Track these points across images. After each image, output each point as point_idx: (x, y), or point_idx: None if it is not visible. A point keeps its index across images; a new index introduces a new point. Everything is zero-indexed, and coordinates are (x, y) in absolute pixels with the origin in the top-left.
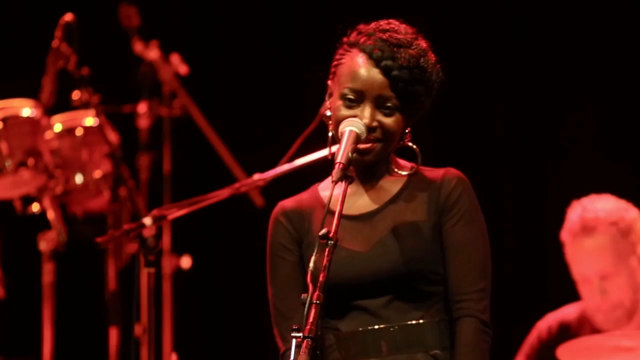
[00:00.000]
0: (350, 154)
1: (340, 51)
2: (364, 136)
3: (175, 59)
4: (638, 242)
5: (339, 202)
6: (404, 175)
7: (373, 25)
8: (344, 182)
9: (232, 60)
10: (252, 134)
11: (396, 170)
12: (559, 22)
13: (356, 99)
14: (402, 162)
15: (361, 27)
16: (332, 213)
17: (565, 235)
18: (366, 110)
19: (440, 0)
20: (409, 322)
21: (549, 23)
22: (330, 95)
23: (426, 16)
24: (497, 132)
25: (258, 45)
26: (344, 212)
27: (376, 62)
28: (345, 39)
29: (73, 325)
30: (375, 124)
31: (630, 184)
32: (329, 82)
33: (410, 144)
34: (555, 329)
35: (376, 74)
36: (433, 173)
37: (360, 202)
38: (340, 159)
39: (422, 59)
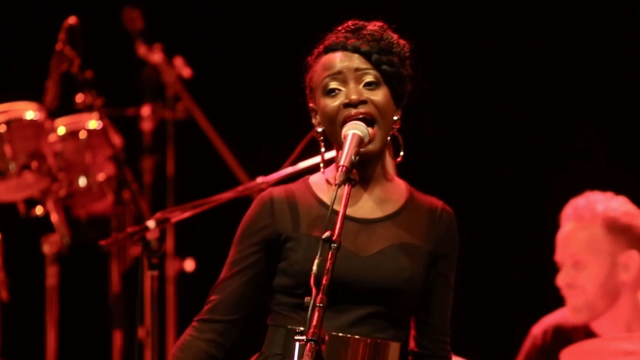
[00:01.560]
0: (353, 157)
1: (308, 73)
2: (367, 139)
3: (178, 62)
4: (626, 249)
5: (342, 205)
6: (403, 190)
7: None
8: (347, 185)
9: (235, 63)
10: (256, 137)
11: (389, 174)
12: (560, 23)
13: (338, 84)
14: (389, 169)
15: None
16: (335, 214)
17: (561, 220)
18: (350, 87)
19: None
20: (378, 339)
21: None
22: (315, 113)
23: (427, 16)
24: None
25: (261, 48)
26: (347, 212)
27: (344, 47)
28: (308, 59)
29: (77, 328)
30: (364, 96)
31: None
32: (310, 104)
33: (397, 133)
34: (550, 333)
35: (347, 55)
36: (429, 200)
37: (363, 206)
38: (343, 162)
39: (384, 32)
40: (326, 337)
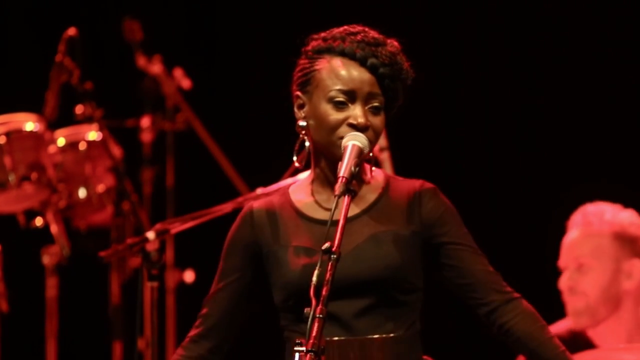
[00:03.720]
0: (353, 168)
1: (306, 60)
2: (367, 150)
3: (178, 73)
4: (630, 257)
5: (342, 216)
6: (380, 183)
7: (338, 30)
8: (346, 196)
9: (234, 74)
10: (255, 148)
11: (367, 176)
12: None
13: (346, 100)
14: (368, 166)
15: (323, 34)
16: (334, 224)
17: (568, 226)
18: (358, 110)
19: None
20: (380, 335)
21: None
22: (302, 106)
23: (430, 19)
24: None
25: (261, 59)
26: (319, 217)
27: (361, 61)
28: (306, 49)
29: (76, 339)
30: (369, 123)
31: None
32: (298, 92)
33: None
34: None
35: (364, 73)
36: (407, 183)
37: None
38: (343, 172)
39: (398, 56)
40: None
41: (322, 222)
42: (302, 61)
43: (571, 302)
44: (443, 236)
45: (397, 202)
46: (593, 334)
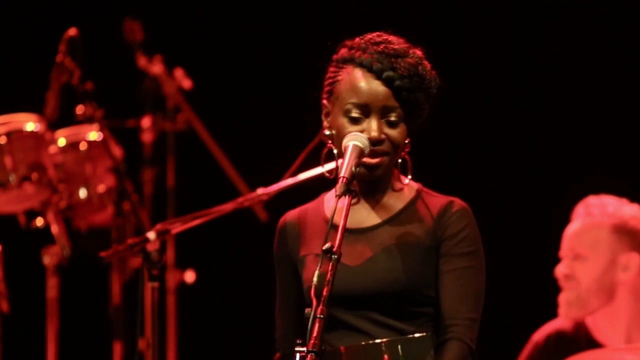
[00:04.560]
0: (353, 168)
1: (333, 69)
2: (367, 150)
3: (179, 73)
4: (628, 250)
5: (342, 217)
6: (409, 194)
7: (363, 39)
8: (347, 197)
9: (235, 74)
10: (256, 148)
11: (399, 185)
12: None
13: (361, 114)
14: (404, 178)
15: (349, 42)
16: (336, 227)
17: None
18: (373, 123)
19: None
20: (399, 337)
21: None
22: (328, 115)
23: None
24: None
25: (262, 59)
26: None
27: (377, 74)
28: (335, 56)
29: (77, 339)
30: (383, 136)
31: None
32: (325, 101)
33: (406, 156)
34: (552, 340)
35: (379, 86)
36: (438, 199)
37: (359, 216)
38: (343, 173)
39: (419, 66)
40: (343, 352)
41: (346, 230)
42: (330, 69)
43: (565, 291)
44: (443, 249)
45: (422, 215)
46: (592, 327)
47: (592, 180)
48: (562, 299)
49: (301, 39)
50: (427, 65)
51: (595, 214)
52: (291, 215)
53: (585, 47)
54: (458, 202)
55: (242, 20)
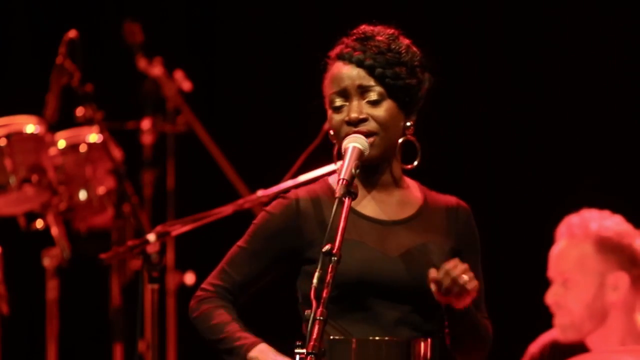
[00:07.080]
0: (353, 170)
1: (324, 73)
2: (367, 152)
3: (179, 75)
4: (615, 269)
5: (342, 219)
6: (418, 191)
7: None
8: (347, 198)
9: (235, 76)
10: (256, 150)
11: (406, 184)
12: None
13: (343, 101)
14: (407, 179)
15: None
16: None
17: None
18: (352, 104)
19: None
20: (419, 338)
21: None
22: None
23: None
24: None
25: (261, 61)
26: (370, 215)
27: (349, 59)
28: (326, 59)
29: (77, 341)
30: (364, 115)
31: None
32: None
33: (412, 138)
34: (548, 351)
35: (351, 69)
36: (444, 198)
37: (384, 208)
38: (343, 175)
39: (392, 43)
40: (353, 344)
41: (375, 221)
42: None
43: (557, 317)
44: (464, 260)
45: (437, 214)
46: (589, 344)
47: (592, 180)
48: (558, 325)
49: (301, 42)
50: (404, 40)
51: (578, 234)
52: (302, 193)
53: (586, 48)
54: (462, 202)
55: (242, 22)
